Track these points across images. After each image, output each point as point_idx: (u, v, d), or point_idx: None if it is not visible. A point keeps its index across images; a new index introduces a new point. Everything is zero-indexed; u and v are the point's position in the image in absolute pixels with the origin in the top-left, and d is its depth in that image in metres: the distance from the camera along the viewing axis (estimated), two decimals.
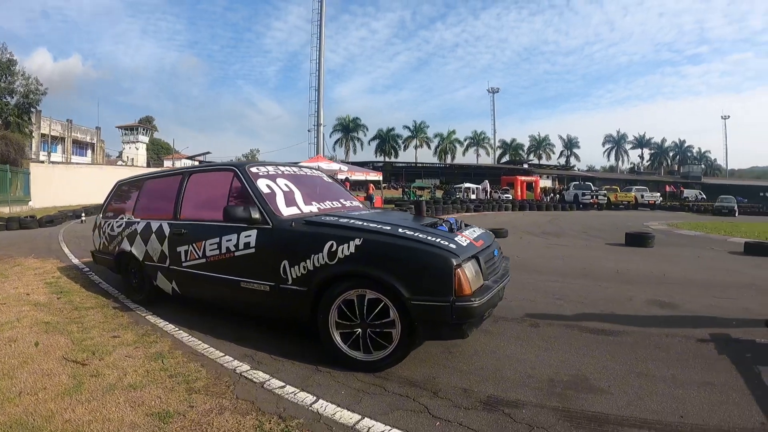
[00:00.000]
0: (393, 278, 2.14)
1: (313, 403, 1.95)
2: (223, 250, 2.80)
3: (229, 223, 2.74)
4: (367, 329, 2.26)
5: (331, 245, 2.28)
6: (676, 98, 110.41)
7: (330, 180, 3.84)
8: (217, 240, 2.84)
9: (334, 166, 17.63)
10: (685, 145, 60.84)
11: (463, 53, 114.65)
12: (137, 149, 43.52)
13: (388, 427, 1.77)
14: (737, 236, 9.63)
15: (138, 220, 3.65)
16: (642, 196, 30.20)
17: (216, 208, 2.93)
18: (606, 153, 62.29)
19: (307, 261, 2.35)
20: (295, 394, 2.02)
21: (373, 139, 54.07)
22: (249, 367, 2.33)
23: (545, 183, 41.33)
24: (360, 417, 1.84)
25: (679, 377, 2.29)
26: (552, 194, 32.73)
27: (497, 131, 58.80)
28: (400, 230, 2.35)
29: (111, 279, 4.43)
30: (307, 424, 1.79)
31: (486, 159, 56.56)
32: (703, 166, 57.91)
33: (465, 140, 56.61)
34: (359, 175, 19.59)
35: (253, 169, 2.99)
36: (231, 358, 2.45)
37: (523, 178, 34.67)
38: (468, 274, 2.14)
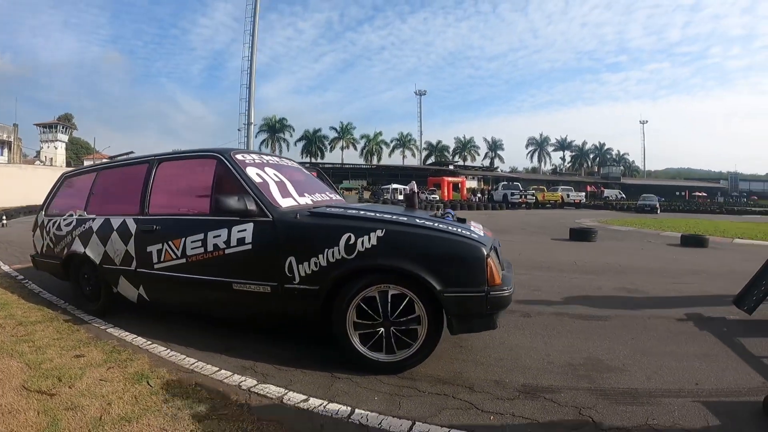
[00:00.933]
0: (423, 271, 2.07)
1: (350, 414, 1.80)
2: (210, 248, 2.50)
3: (216, 216, 2.48)
4: (390, 328, 2.15)
5: (349, 238, 2.14)
6: (595, 104, 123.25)
7: (307, 173, 3.66)
8: (200, 237, 2.54)
9: (286, 162, 17.13)
10: (605, 147, 67.98)
11: (389, 56, 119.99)
12: (56, 148, 40.30)
13: (446, 429, 1.70)
14: (668, 230, 10.93)
15: (93, 216, 3.24)
16: (568, 196, 33.24)
17: (195, 200, 2.72)
18: (529, 155, 67.40)
19: (320, 256, 2.18)
20: (325, 407, 1.86)
21: (300, 140, 54.51)
22: (255, 381, 2.09)
23: (471, 184, 43.71)
24: (410, 422, 1.75)
25: (678, 352, 2.52)
26: (480, 194, 34.87)
27: (423, 133, 61.76)
28: (418, 221, 2.28)
29: (54, 287, 3.95)
30: None
31: (412, 160, 58.65)
32: (621, 167, 65.12)
33: (391, 142, 58.07)
34: None
35: (239, 156, 2.74)
36: (229, 372, 2.19)
37: (449, 178, 36.51)
38: (496, 263, 2.15)
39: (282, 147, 52.61)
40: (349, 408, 1.85)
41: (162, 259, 2.71)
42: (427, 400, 1.94)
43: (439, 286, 2.06)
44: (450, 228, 2.23)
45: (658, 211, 24.96)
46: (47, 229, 3.63)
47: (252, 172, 2.64)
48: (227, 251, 2.44)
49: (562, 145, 67.30)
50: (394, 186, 31.85)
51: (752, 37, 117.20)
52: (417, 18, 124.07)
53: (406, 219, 2.30)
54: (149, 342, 2.62)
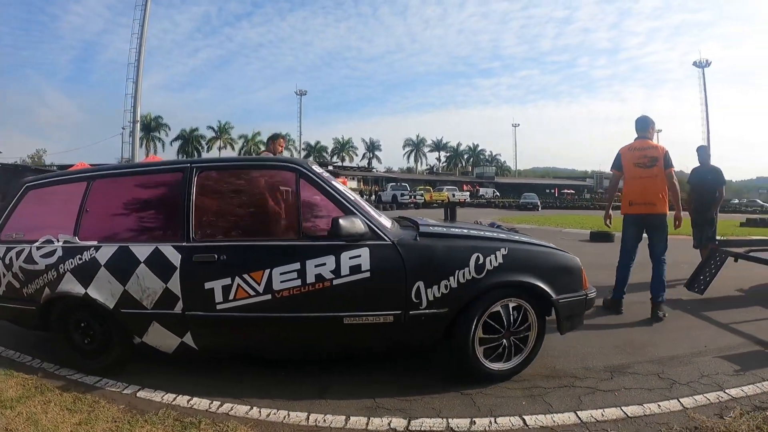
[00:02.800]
0: (542, 282, 2.45)
1: (525, 422, 2.09)
2: (311, 280, 2.32)
3: (313, 241, 2.39)
4: (510, 338, 2.49)
5: (478, 258, 2.38)
6: (467, 107, 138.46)
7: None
8: (295, 267, 2.33)
9: None
10: (479, 148, 77.86)
11: (266, 54, 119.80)
12: None
13: (641, 406, 2.21)
14: (568, 227, 13.17)
15: (93, 244, 2.60)
16: (453, 195, 36.97)
17: (271, 221, 2.55)
18: (406, 155, 73.75)
19: (450, 279, 2.34)
20: (492, 422, 2.09)
21: (176, 139, 53.29)
22: (404, 420, 2.10)
23: (351, 184, 46.07)
24: (573, 413, 2.15)
25: (673, 326, 3.46)
26: (368, 195, 37.04)
27: (300, 133, 63.05)
28: (515, 237, 2.70)
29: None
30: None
31: None
32: (494, 167, 74.35)
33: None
34: None
35: (317, 168, 2.60)
36: (360, 417, 2.14)
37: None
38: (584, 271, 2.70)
39: (157, 147, 51.13)
40: (519, 417, 2.12)
41: (232, 297, 2.38)
42: (560, 392, 2.35)
43: (554, 294, 2.47)
44: (548, 243, 2.70)
45: (539, 209, 29.41)
46: (6, 261, 2.76)
47: (341, 186, 2.56)
48: (336, 282, 2.32)
49: (438, 146, 74.97)
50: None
51: (617, 50, 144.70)
52: (297, 16, 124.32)
53: (505, 236, 2.68)
54: (213, 401, 2.30)
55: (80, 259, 2.59)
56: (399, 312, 2.33)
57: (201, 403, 2.29)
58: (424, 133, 79.81)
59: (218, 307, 2.39)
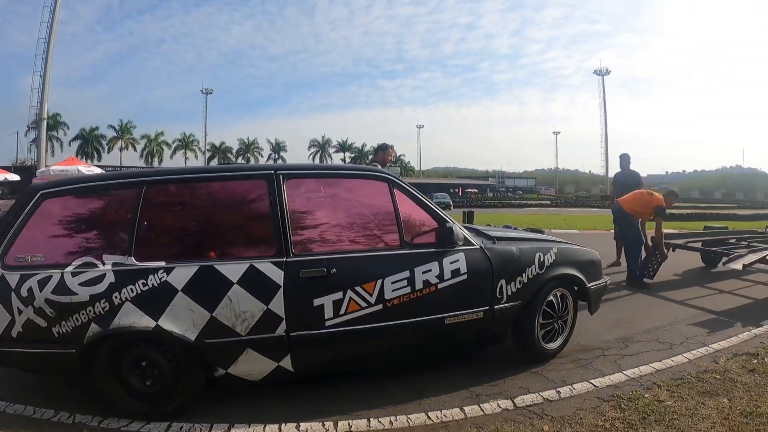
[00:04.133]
0: (581, 274, 3.09)
1: (596, 386, 2.68)
2: (419, 286, 2.49)
3: (416, 249, 2.57)
4: (558, 321, 3.07)
5: (539, 256, 2.90)
6: (370, 108, 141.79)
7: None
8: (405, 275, 2.47)
9: (95, 170, 15.64)
10: None
11: (168, 50, 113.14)
12: None
13: (661, 362, 2.98)
14: (492, 224, 14.52)
15: (161, 265, 2.28)
16: None
17: (371, 231, 2.59)
18: (311, 156, 73.69)
19: (522, 275, 2.81)
20: (576, 389, 2.65)
21: (75, 139, 51.32)
22: (510, 401, 2.50)
23: None
24: (621, 374, 2.83)
25: (643, 304, 4.45)
26: None
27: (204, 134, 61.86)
28: (553, 238, 3.30)
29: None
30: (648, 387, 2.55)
31: (195, 162, 58.86)
32: (399, 167, 77.08)
33: (173, 142, 57.84)
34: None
35: (405, 180, 2.81)
36: (472, 406, 2.47)
37: None
38: None
39: (55, 147, 48.74)
40: (587, 382, 2.69)
41: (343, 312, 2.37)
42: (600, 360, 3.02)
43: (587, 282, 3.13)
44: (575, 243, 3.36)
45: (452, 207, 31.53)
46: (22, 293, 2.22)
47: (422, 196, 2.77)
48: (440, 285, 2.55)
49: (343, 147, 76.31)
50: None
51: (518, 55, 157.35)
52: (202, 11, 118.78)
53: (548, 237, 3.28)
54: (325, 421, 2.27)
55: (144, 284, 2.25)
56: (487, 308, 2.73)
57: (313, 427, 2.25)
58: (329, 134, 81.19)
59: (327, 323, 2.37)
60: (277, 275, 2.31)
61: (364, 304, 2.40)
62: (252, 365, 2.37)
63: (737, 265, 4.75)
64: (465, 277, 2.63)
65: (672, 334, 3.56)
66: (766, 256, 4.86)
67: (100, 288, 2.24)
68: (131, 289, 2.25)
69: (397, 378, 2.77)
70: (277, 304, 2.30)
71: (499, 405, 2.45)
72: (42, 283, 2.24)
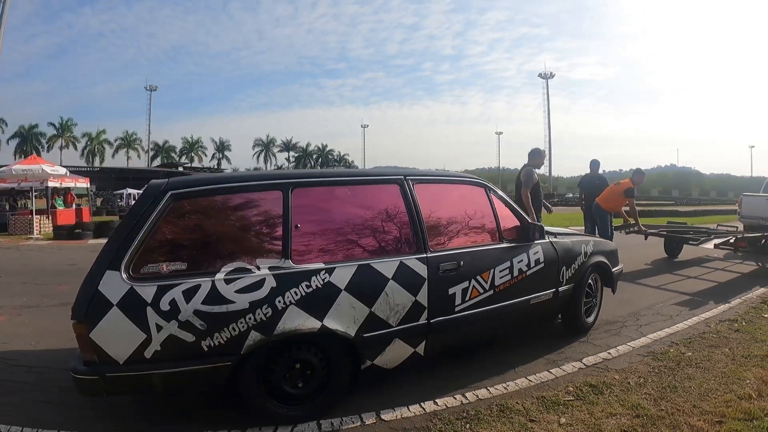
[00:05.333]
0: (607, 260, 3.97)
1: (612, 353, 3.55)
2: (516, 273, 3.08)
3: (511, 243, 3.16)
4: (593, 300, 3.94)
5: (584, 247, 3.72)
6: (312, 106, 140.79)
7: None
8: (507, 265, 3.05)
9: (60, 170, 14.59)
10: (327, 148, 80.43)
11: (107, 44, 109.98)
12: None
13: (671, 327, 3.82)
14: None
15: (320, 266, 2.40)
16: None
17: (479, 228, 3.11)
18: (256, 155, 72.88)
19: (575, 262, 3.60)
20: (620, 350, 3.52)
21: (13, 137, 50.77)
22: (581, 363, 3.36)
23: None
24: (644, 336, 3.76)
25: (629, 290, 5.47)
26: None
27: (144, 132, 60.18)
28: (585, 232, 4.17)
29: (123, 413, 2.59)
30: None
31: (138, 162, 58.53)
32: (343, 167, 77.37)
33: (115, 141, 57.23)
34: (69, 182, 15.57)
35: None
36: (555, 368, 3.28)
37: None
38: None
39: None
40: (625, 345, 3.57)
41: (468, 298, 2.82)
42: (625, 329, 3.94)
43: (612, 268, 4.04)
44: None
45: None
46: (164, 307, 2.12)
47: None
48: (528, 273, 3.17)
49: (288, 146, 76.17)
50: (130, 191, 30.97)
51: (460, 57, 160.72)
52: (144, 6, 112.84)
53: (575, 231, 4.14)
54: (465, 394, 2.70)
55: (308, 286, 2.34)
56: (554, 290, 3.47)
57: (448, 401, 2.64)
58: (272, 132, 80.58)
59: (456, 309, 2.79)
60: (422, 269, 2.65)
61: (481, 291, 2.91)
62: (394, 354, 2.61)
63: (709, 245, 6.00)
64: (543, 265, 3.31)
65: (666, 309, 4.60)
66: (729, 239, 6.15)
67: (261, 294, 2.25)
68: (295, 292, 2.31)
69: (485, 356, 3.34)
70: (422, 296, 2.63)
71: (573, 366, 3.20)
72: (189, 294, 2.16)
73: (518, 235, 3.28)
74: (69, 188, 16.29)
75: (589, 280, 3.83)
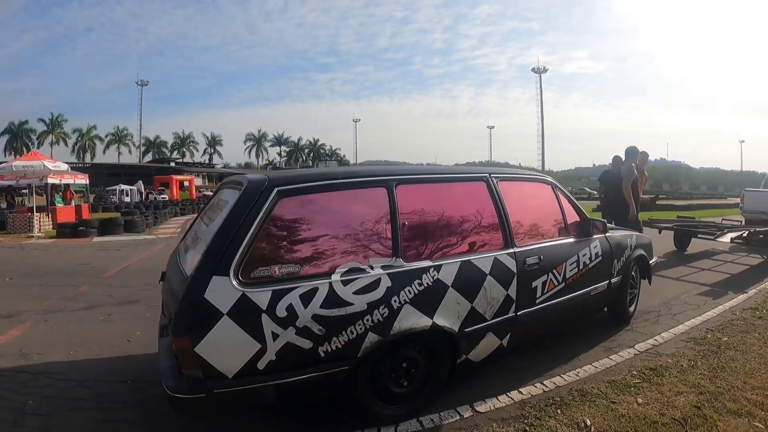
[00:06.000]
0: (646, 253, 4.43)
1: (658, 339, 4.04)
2: (581, 267, 3.35)
3: (577, 238, 3.42)
4: (634, 290, 4.40)
5: (629, 241, 4.14)
6: (302, 100, 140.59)
7: None
8: (575, 258, 3.31)
9: (62, 166, 14.50)
10: (319, 143, 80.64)
11: (97, 38, 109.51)
12: None
13: (701, 316, 4.32)
14: None
15: (428, 264, 2.46)
16: None
17: (551, 224, 3.37)
18: (247, 150, 72.92)
19: (623, 256, 4.00)
20: (664, 336, 3.98)
21: (3, 133, 51.63)
22: (633, 349, 3.80)
23: (197, 182, 46.74)
24: (680, 324, 4.22)
25: (659, 280, 5.95)
26: None
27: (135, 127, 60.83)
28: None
29: None
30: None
31: (129, 157, 59.35)
32: (336, 161, 77.55)
33: (106, 137, 57.80)
34: (68, 178, 15.69)
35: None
36: (613, 356, 3.68)
37: (178, 177, 38.98)
38: None
39: None
40: (667, 332, 4.02)
41: (546, 291, 3.03)
42: (662, 318, 4.40)
43: (650, 259, 4.50)
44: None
45: None
46: (280, 313, 2.05)
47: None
48: (590, 265, 3.45)
49: (279, 140, 76.38)
50: (122, 187, 31.03)
51: (451, 51, 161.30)
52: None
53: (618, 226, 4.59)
54: (518, 391, 2.92)
55: (420, 284, 2.38)
56: (608, 282, 3.85)
57: (532, 390, 2.91)
58: (262, 127, 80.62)
59: (537, 301, 2.99)
60: (512, 264, 2.82)
61: (556, 283, 3.14)
62: (485, 347, 2.72)
63: (726, 239, 6.53)
64: (601, 258, 3.61)
65: (692, 299, 5.11)
66: (742, 234, 6.67)
67: (378, 294, 2.25)
68: (408, 291, 2.33)
69: (546, 347, 3.57)
70: (512, 289, 2.80)
71: (628, 352, 3.60)
72: (306, 298, 2.10)
73: (581, 230, 3.55)
74: (68, 185, 16.24)
75: (632, 272, 4.27)
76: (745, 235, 6.59)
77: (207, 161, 65.33)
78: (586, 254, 3.49)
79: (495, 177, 3.07)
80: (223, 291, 1.99)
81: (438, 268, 2.48)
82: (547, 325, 3.34)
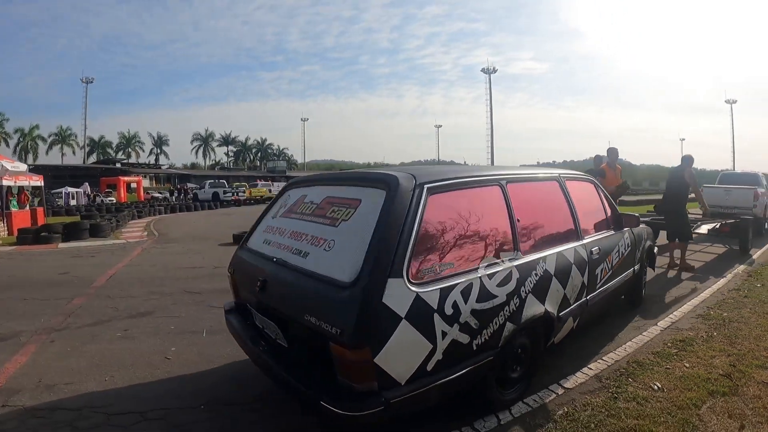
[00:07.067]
0: (653, 242, 5.20)
1: (671, 319, 4.84)
2: (620, 256, 3.91)
3: (616, 231, 3.94)
4: (645, 277, 5.16)
5: (644, 233, 4.86)
6: (247, 99, 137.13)
7: None
8: (616, 249, 3.83)
9: (20, 166, 14.17)
10: (267, 142, 79.11)
11: (36, 34, 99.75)
12: None
13: (709, 294, 5.15)
14: None
15: (537, 255, 2.76)
16: (270, 191, 38.31)
17: (598, 218, 3.81)
18: (194, 150, 70.65)
19: (641, 246, 4.68)
20: (675, 315, 4.78)
21: None
22: (659, 326, 4.57)
23: (144, 183, 45.65)
24: (678, 302, 5.04)
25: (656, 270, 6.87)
26: (178, 193, 37.80)
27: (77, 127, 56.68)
28: None
29: None
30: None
31: (73, 158, 57.22)
32: (284, 161, 76.43)
33: (49, 137, 56.04)
34: (23, 180, 14.79)
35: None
36: (645, 333, 4.35)
37: (125, 178, 38.39)
38: None
39: None
40: (678, 311, 4.83)
41: (602, 277, 3.52)
42: (676, 304, 5.19)
43: (654, 245, 5.29)
44: None
45: None
46: (448, 310, 2.12)
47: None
48: (624, 254, 4.02)
49: (227, 140, 74.60)
50: (69, 189, 29.92)
51: (397, 50, 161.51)
52: None
53: None
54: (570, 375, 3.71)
55: (536, 275, 2.64)
56: (632, 269, 4.52)
57: (596, 366, 3.45)
58: (212, 127, 78.38)
59: (597, 287, 3.44)
60: (585, 254, 3.26)
61: (608, 270, 3.66)
62: (566, 329, 3.08)
63: (703, 230, 7.57)
64: (630, 248, 4.22)
65: (684, 284, 6.04)
66: (715, 225, 7.73)
67: (511, 285, 2.45)
68: (529, 281, 2.58)
69: (584, 332, 3.91)
70: (585, 277, 3.23)
71: (655, 329, 4.28)
72: (465, 294, 2.19)
73: (617, 223, 4.08)
74: (22, 187, 15.28)
75: (645, 260, 5.04)
76: (717, 226, 7.70)
77: (153, 162, 63.51)
78: (622, 244, 4.06)
79: (564, 176, 3.55)
80: (399, 294, 1.98)
81: (544, 259, 2.80)
82: (600, 308, 3.82)
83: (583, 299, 3.30)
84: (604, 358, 3.63)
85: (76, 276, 7.11)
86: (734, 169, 17.21)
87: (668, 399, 2.91)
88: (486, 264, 2.40)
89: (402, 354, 1.99)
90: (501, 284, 2.42)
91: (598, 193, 4.13)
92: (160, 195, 39.37)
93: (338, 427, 2.00)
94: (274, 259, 2.62)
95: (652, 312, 4.84)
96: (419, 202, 2.20)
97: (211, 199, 30.69)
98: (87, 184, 32.12)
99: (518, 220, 2.72)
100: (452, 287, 2.18)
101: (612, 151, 8.10)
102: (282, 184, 50.71)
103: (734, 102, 72.94)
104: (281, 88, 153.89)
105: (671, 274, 6.72)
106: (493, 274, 2.41)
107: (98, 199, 30.15)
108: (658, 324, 4.45)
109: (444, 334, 2.10)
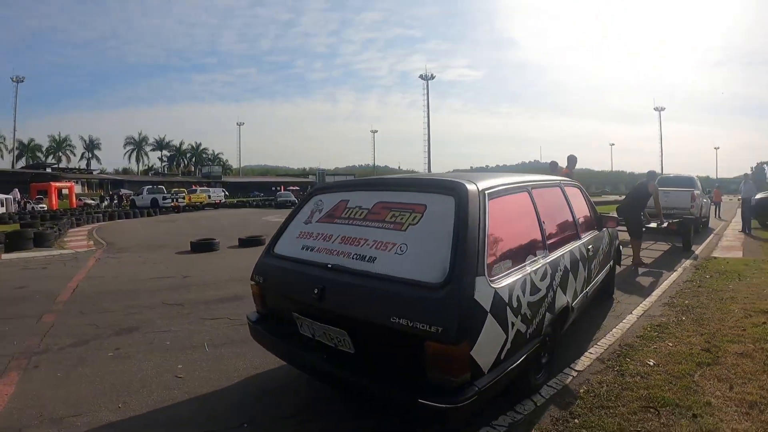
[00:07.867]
0: (618, 240, 5.86)
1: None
2: (604, 252, 4.54)
3: (599, 231, 4.47)
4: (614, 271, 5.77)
5: (615, 231, 5.44)
6: (177, 102, 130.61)
7: None
8: (601, 246, 4.40)
9: None
10: (201, 147, 76.10)
11: None
12: None
13: (676, 277, 5.81)
14: None
15: (561, 253, 3.22)
16: (209, 197, 37.10)
17: (588, 220, 4.31)
18: (127, 155, 66.83)
19: (614, 243, 5.31)
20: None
21: None
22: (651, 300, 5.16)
23: (77, 189, 43.06)
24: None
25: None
26: (110, 200, 36.92)
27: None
28: None
29: None
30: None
31: (1, 162, 53.39)
32: (219, 166, 73.88)
33: None
34: None
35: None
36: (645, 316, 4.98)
37: (57, 184, 36.02)
38: None
39: None
40: (638, 305, 5.43)
41: (594, 271, 4.05)
42: (633, 293, 5.85)
43: (620, 243, 5.94)
44: None
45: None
46: (514, 304, 2.39)
47: None
48: (606, 251, 4.64)
49: (161, 144, 71.18)
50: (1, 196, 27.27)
51: (334, 55, 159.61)
52: None
53: None
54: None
55: (559, 269, 3.03)
56: (609, 264, 5.09)
57: (597, 352, 3.99)
58: (145, 131, 74.36)
59: (592, 279, 3.96)
60: (585, 251, 3.77)
61: (598, 265, 4.24)
62: (571, 318, 3.39)
63: (653, 224, 8.46)
64: (609, 246, 4.86)
65: (641, 279, 6.72)
66: (663, 224, 8.61)
67: (548, 280, 2.82)
68: (557, 276, 2.97)
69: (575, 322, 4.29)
70: (586, 271, 3.73)
71: (632, 317, 4.74)
72: (523, 288, 2.50)
73: (599, 224, 4.63)
74: None
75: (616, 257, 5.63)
76: (665, 225, 8.63)
77: (85, 167, 59.81)
78: (604, 242, 4.66)
79: (565, 184, 4.04)
80: (484, 291, 2.21)
81: (564, 256, 3.22)
82: (592, 299, 4.26)
83: (584, 291, 3.70)
84: (598, 343, 4.03)
85: (36, 290, 6.52)
86: (662, 172, 19.12)
87: (665, 372, 3.35)
88: (530, 261, 2.73)
89: (488, 345, 2.22)
90: (542, 279, 2.76)
91: (584, 196, 4.62)
92: (92, 201, 37.46)
93: (438, 423, 2.19)
94: (329, 266, 2.62)
95: (623, 303, 5.39)
96: (485, 206, 2.46)
97: (150, 206, 29.19)
98: (17, 190, 29.81)
99: (543, 221, 3.09)
100: (515, 282, 2.46)
101: (572, 159, 8.84)
102: (218, 190, 47.18)
103: (662, 109, 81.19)
104: (215, 92, 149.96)
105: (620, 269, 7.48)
106: (536, 270, 2.73)
107: (29, 206, 27.97)
108: (633, 312, 4.98)
109: (512, 324, 2.37)
